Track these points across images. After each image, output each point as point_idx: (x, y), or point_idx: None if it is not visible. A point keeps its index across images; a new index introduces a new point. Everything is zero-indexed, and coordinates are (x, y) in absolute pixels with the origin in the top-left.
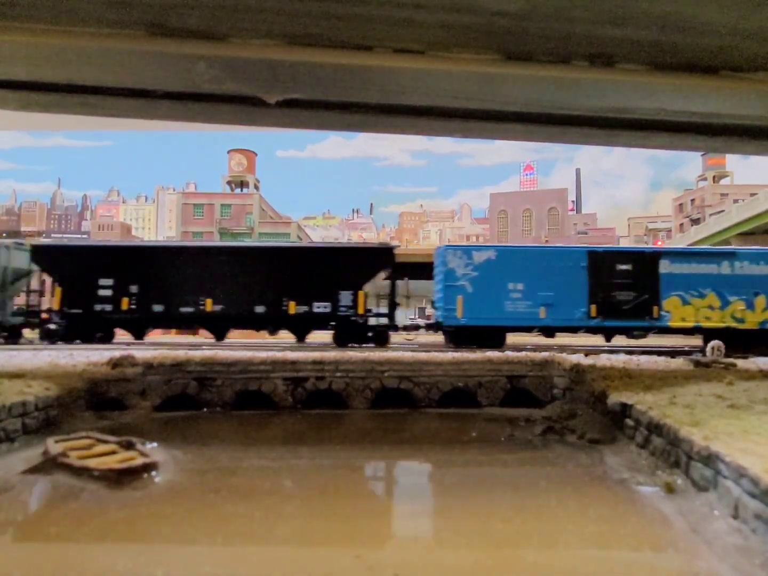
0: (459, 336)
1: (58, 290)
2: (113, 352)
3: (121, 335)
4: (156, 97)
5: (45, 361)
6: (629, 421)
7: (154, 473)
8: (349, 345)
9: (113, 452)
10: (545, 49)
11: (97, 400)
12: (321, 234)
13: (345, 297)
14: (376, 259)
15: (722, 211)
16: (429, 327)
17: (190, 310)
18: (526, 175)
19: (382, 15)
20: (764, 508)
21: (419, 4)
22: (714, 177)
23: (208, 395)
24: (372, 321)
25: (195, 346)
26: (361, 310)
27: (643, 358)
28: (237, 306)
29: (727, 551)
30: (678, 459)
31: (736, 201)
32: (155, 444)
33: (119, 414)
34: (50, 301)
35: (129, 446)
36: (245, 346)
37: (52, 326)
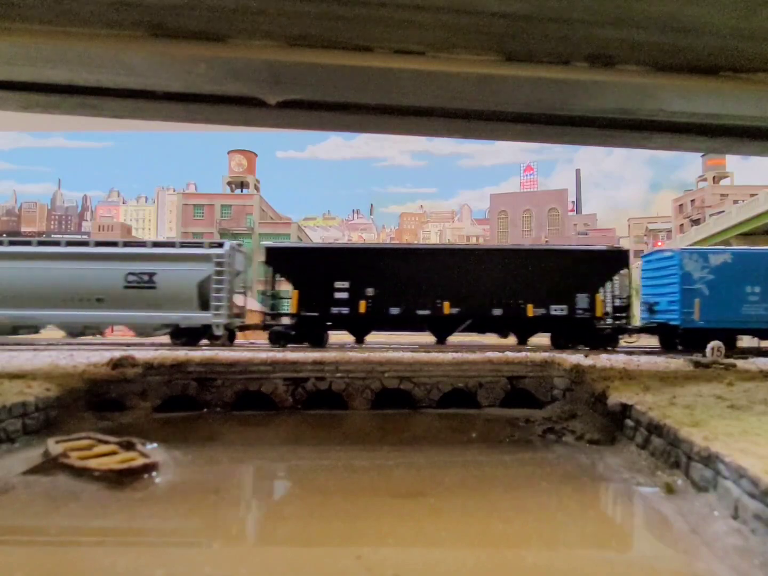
0: (690, 338)
1: (295, 293)
2: (113, 352)
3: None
4: (156, 98)
5: (45, 361)
6: (629, 422)
7: (154, 474)
8: (578, 348)
9: (114, 453)
10: (545, 50)
11: (98, 401)
12: (321, 234)
13: (581, 300)
14: (612, 262)
15: (722, 211)
16: (646, 330)
17: (426, 312)
18: (526, 175)
19: (382, 16)
20: (764, 509)
21: (419, 5)
22: (714, 178)
23: (208, 396)
24: (605, 323)
25: (195, 347)
26: (598, 313)
27: (643, 358)
28: (474, 308)
29: (726, 552)
30: (678, 459)
31: (736, 202)
32: (155, 444)
33: (119, 414)
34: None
35: (129, 447)
36: (245, 346)
37: (280, 329)
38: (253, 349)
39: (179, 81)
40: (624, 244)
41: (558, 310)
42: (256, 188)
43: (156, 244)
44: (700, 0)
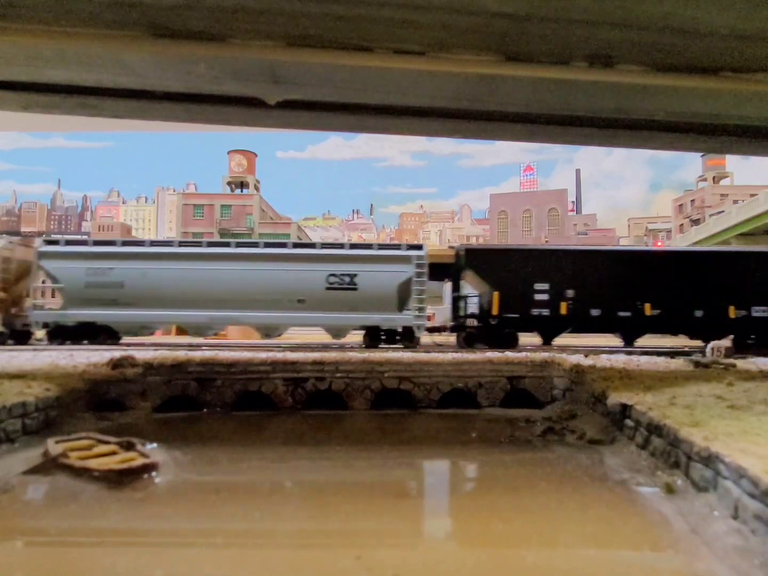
0: None
1: (496, 294)
2: (113, 352)
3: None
4: (156, 98)
5: (45, 361)
6: (629, 422)
7: (154, 474)
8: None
9: (113, 453)
10: (545, 50)
11: (98, 401)
12: (321, 234)
13: None
14: None
15: (722, 211)
16: None
17: (627, 314)
18: (526, 175)
19: (382, 16)
20: (764, 509)
21: (419, 6)
22: (714, 178)
23: (208, 396)
24: None
25: (195, 347)
26: None
27: (643, 358)
28: (676, 310)
29: (726, 552)
30: (678, 459)
31: (735, 202)
32: (155, 445)
33: (119, 415)
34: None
35: (129, 447)
36: (245, 346)
37: (473, 330)
38: (252, 349)
39: (179, 81)
40: (624, 244)
41: (760, 311)
42: (256, 188)
43: (353, 246)
44: (700, 1)
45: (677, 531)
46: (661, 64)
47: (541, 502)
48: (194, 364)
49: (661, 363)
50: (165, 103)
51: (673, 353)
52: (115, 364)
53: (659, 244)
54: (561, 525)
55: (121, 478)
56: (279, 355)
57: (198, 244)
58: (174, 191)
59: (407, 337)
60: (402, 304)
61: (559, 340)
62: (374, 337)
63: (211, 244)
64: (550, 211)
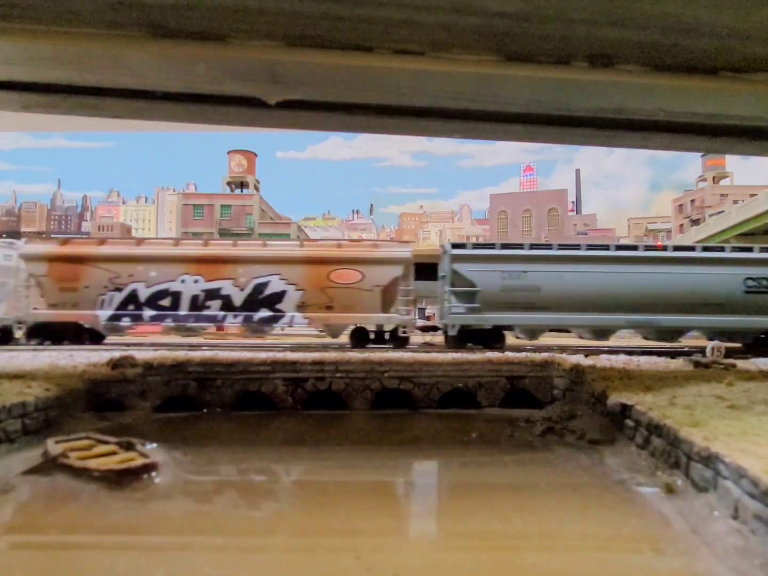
0: None
1: None
2: (113, 353)
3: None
4: (156, 98)
5: (45, 362)
6: (629, 422)
7: (154, 474)
8: None
9: (113, 453)
10: (545, 50)
11: (97, 401)
12: (321, 235)
13: None
14: None
15: (722, 211)
16: None
17: None
18: (526, 176)
19: (382, 16)
20: (764, 509)
21: (419, 6)
22: (714, 178)
23: (207, 396)
24: None
25: (194, 347)
26: None
27: (643, 358)
28: None
29: (726, 552)
30: (678, 460)
31: (735, 202)
32: (155, 445)
33: (119, 415)
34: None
35: (129, 447)
36: (245, 346)
37: None
38: (252, 349)
39: (179, 81)
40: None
41: None
42: (256, 188)
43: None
44: (700, 0)
45: (677, 531)
46: (661, 64)
47: (541, 502)
48: (194, 364)
49: (661, 363)
50: (165, 103)
51: (673, 353)
52: (115, 364)
53: (659, 244)
54: (561, 525)
55: (121, 478)
56: (279, 355)
57: (605, 247)
58: (174, 191)
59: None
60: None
61: (559, 341)
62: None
63: (619, 248)
64: (550, 211)
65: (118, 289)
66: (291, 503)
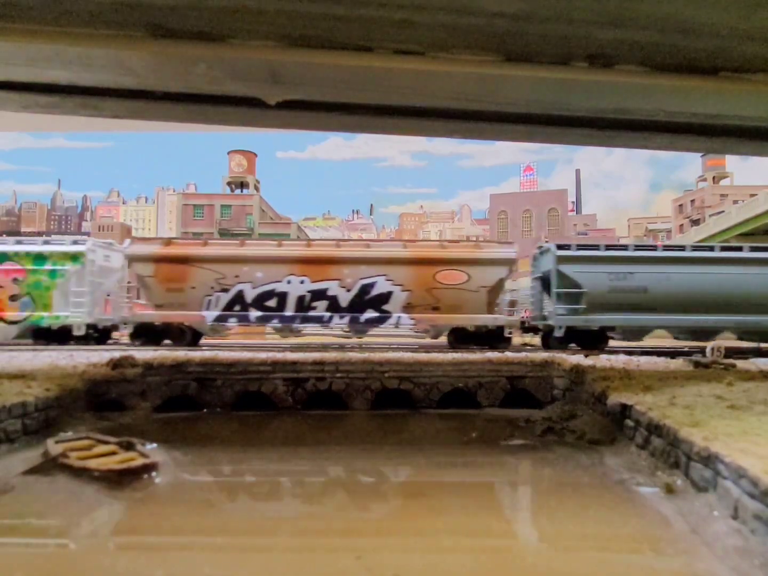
0: None
1: None
2: (113, 353)
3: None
4: (156, 99)
5: (45, 362)
6: (629, 422)
7: (154, 474)
8: None
9: (113, 453)
10: (545, 50)
11: (97, 401)
12: (321, 235)
13: None
14: None
15: (722, 211)
16: None
17: None
18: (526, 176)
19: (382, 16)
20: (764, 509)
21: (419, 6)
22: (714, 178)
23: (208, 396)
24: None
25: (194, 347)
26: None
27: (643, 359)
28: None
29: (726, 552)
30: (678, 460)
31: (735, 202)
32: (155, 445)
33: (119, 415)
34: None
35: (129, 447)
36: (245, 346)
37: None
38: (252, 349)
39: (179, 81)
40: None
41: None
42: (256, 188)
43: None
44: (700, 0)
45: (677, 531)
46: (661, 64)
47: (540, 501)
48: (194, 364)
49: (661, 363)
50: (165, 103)
51: (673, 353)
52: (115, 364)
53: (659, 244)
54: (561, 525)
55: (121, 478)
56: (279, 355)
57: (710, 248)
58: (174, 191)
59: None
60: None
61: None
62: None
63: (723, 249)
64: (550, 211)
65: (225, 290)
66: (291, 503)
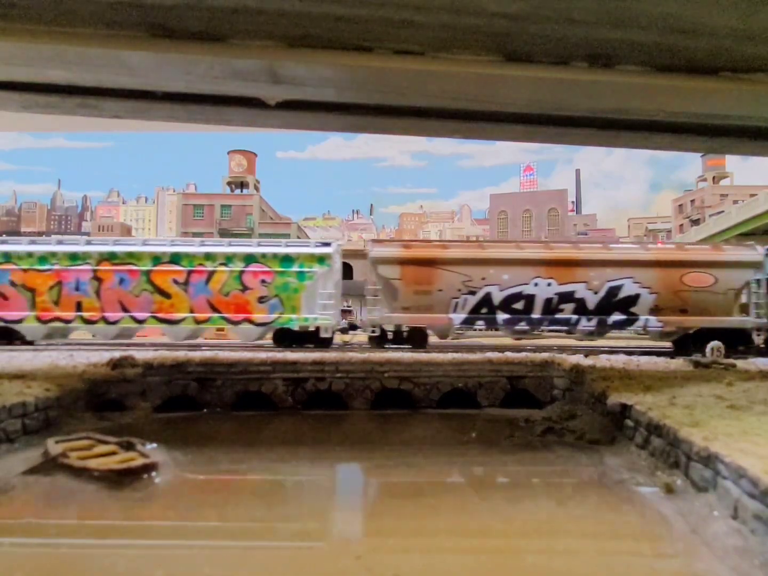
0: None
1: None
2: (113, 353)
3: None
4: (156, 99)
5: (45, 362)
6: (629, 422)
7: (154, 474)
8: None
9: (113, 453)
10: (545, 50)
11: (97, 401)
12: (321, 235)
13: None
14: None
15: (722, 211)
16: None
17: None
18: (526, 176)
19: (382, 16)
20: (763, 509)
21: (419, 6)
22: (714, 178)
23: (208, 396)
24: None
25: (194, 347)
26: None
27: (643, 359)
28: None
29: (726, 552)
30: (677, 460)
31: (735, 202)
32: (155, 445)
33: (119, 415)
34: None
35: (129, 447)
36: (245, 346)
37: None
38: (252, 349)
39: (179, 81)
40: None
41: None
42: (256, 188)
43: None
44: (700, 0)
45: (677, 531)
46: (661, 64)
47: (540, 501)
48: (194, 364)
49: (661, 363)
50: (165, 103)
51: (673, 353)
52: (115, 364)
53: (659, 244)
54: (561, 525)
55: (121, 478)
56: (279, 355)
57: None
58: (174, 191)
59: None
60: None
61: (560, 341)
62: None
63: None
64: (550, 211)
65: (472, 293)
66: (291, 503)
